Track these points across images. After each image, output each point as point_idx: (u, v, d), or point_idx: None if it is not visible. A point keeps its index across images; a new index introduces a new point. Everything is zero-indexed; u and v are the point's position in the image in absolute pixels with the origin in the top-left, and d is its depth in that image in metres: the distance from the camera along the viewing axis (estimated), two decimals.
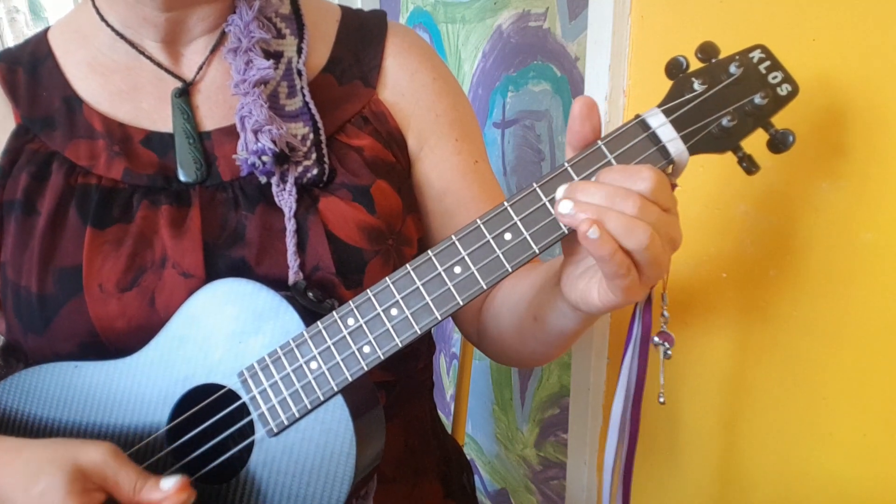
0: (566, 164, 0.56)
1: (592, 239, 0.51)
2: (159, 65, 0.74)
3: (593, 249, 0.52)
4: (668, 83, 0.57)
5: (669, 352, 0.65)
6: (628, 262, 0.53)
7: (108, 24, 0.74)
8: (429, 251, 0.58)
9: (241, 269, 0.69)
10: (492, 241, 0.57)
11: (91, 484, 0.59)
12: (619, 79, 0.88)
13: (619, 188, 0.52)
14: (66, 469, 0.58)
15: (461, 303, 0.58)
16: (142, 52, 0.74)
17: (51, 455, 0.59)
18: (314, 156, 0.71)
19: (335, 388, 0.61)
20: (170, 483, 0.59)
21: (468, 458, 1.00)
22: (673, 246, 0.55)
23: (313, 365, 0.61)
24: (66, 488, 0.57)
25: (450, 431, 1.10)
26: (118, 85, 0.74)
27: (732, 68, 0.55)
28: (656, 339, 0.64)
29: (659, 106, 0.56)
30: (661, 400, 0.67)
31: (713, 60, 0.57)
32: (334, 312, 0.61)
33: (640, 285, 0.55)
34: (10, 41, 2.40)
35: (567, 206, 0.53)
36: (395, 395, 0.80)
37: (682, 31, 0.79)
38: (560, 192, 0.54)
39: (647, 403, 0.70)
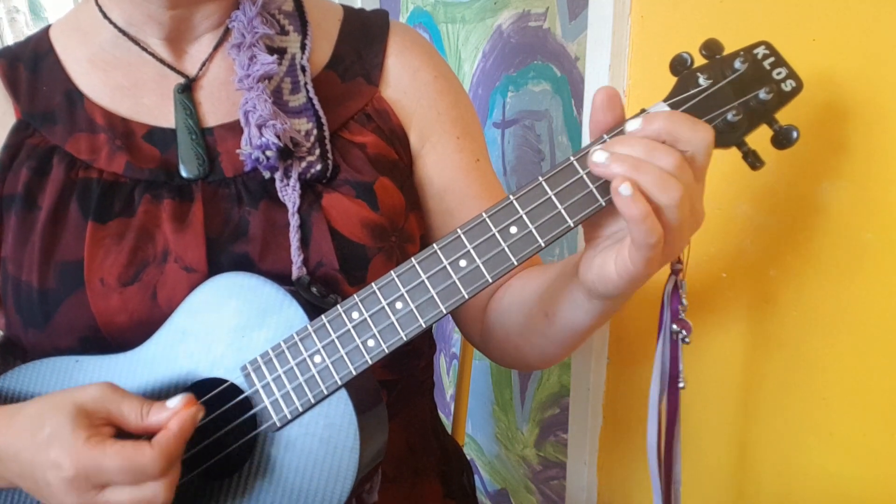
0: (571, 158, 0.56)
1: (624, 196, 0.51)
2: (162, 61, 0.74)
3: (625, 208, 0.51)
4: (669, 83, 0.58)
5: (687, 339, 0.65)
6: (660, 227, 0.52)
7: (110, 22, 0.74)
8: (434, 245, 0.58)
9: (244, 265, 0.68)
10: (497, 234, 0.57)
11: (97, 419, 0.59)
12: (619, 79, 0.88)
13: (656, 144, 0.52)
14: (68, 409, 0.58)
15: (466, 296, 0.58)
16: (144, 49, 0.74)
17: (50, 403, 0.60)
18: (318, 151, 0.71)
19: (339, 382, 0.61)
20: (176, 401, 0.60)
21: (468, 458, 1.00)
22: (696, 220, 0.55)
23: (317, 359, 0.61)
24: (71, 425, 0.57)
25: (450, 431, 1.10)
26: (119, 81, 0.74)
27: (737, 64, 0.56)
28: (674, 326, 0.65)
29: (665, 100, 0.56)
30: (682, 385, 0.67)
31: (717, 56, 0.57)
32: (338, 306, 0.61)
33: (662, 256, 0.54)
34: (10, 41, 2.40)
35: (601, 156, 0.52)
36: (396, 394, 0.80)
37: (683, 31, 0.79)
38: (596, 149, 0.54)
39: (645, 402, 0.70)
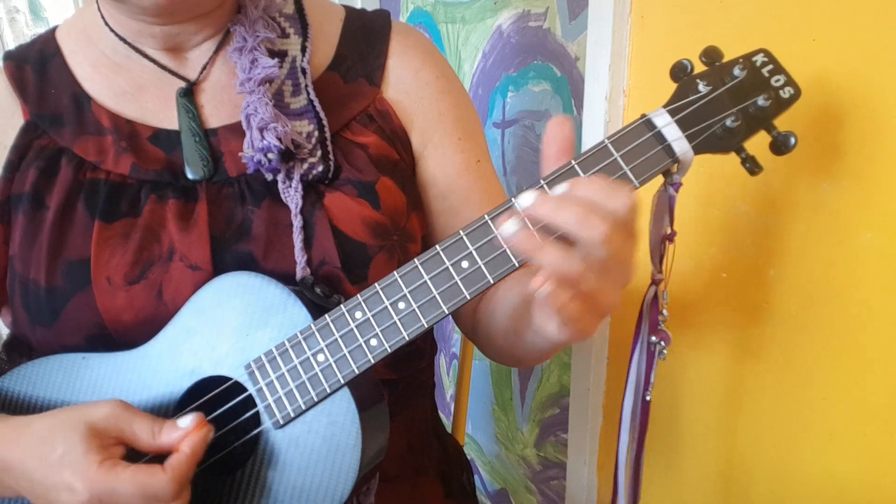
0: (573, 162, 0.56)
1: (506, 236, 0.52)
2: (164, 67, 0.74)
3: (514, 249, 0.53)
4: (669, 83, 0.58)
5: (665, 351, 0.65)
6: (580, 309, 0.52)
7: (111, 30, 0.74)
8: (436, 246, 0.58)
9: (248, 264, 0.69)
10: (499, 236, 0.57)
11: (108, 439, 0.59)
12: (619, 79, 0.88)
13: (573, 200, 0.50)
14: (80, 429, 0.58)
15: (468, 297, 0.58)
16: (145, 56, 0.74)
17: (61, 421, 0.60)
18: (319, 153, 0.72)
19: (342, 381, 0.61)
20: (187, 421, 0.60)
21: (468, 458, 1.00)
22: (626, 272, 0.53)
23: (320, 357, 0.62)
24: (84, 446, 0.57)
25: (450, 431, 1.10)
26: (122, 86, 0.74)
27: (736, 71, 0.56)
28: (653, 337, 0.65)
29: (664, 106, 0.57)
30: (647, 397, 0.67)
31: (717, 63, 0.58)
32: (342, 305, 0.61)
33: (595, 319, 0.54)
34: (11, 41, 2.40)
35: (509, 229, 0.52)
36: (397, 394, 0.81)
37: (682, 32, 0.80)
38: (525, 197, 0.53)
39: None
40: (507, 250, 0.57)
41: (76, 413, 0.60)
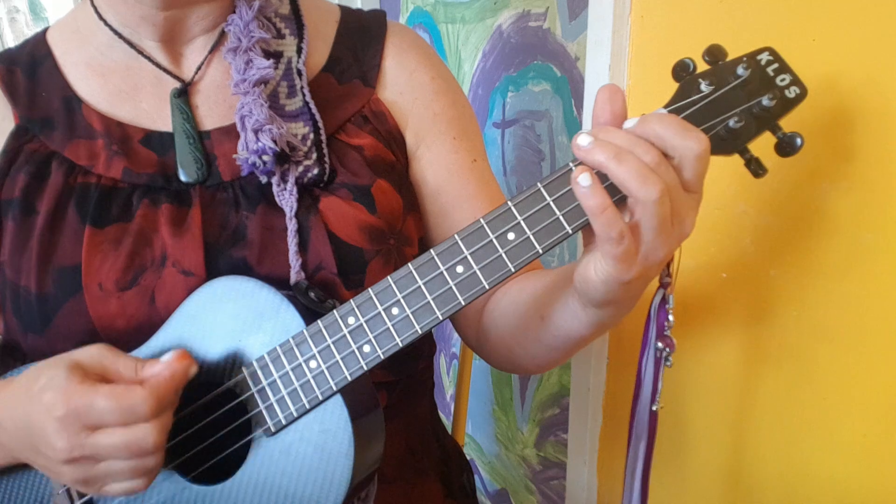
0: (570, 164, 0.55)
1: (583, 187, 0.51)
2: (158, 65, 0.74)
3: (583, 199, 0.51)
4: (669, 83, 0.57)
5: (670, 359, 0.64)
6: (620, 221, 0.51)
7: (106, 24, 0.74)
8: (431, 250, 0.58)
9: (242, 269, 0.68)
10: (495, 240, 0.56)
11: (92, 374, 0.59)
12: (619, 79, 0.88)
13: (640, 139, 0.52)
14: (65, 363, 0.59)
15: (463, 303, 0.57)
16: (140, 52, 0.74)
17: (48, 362, 0.60)
18: (314, 155, 0.71)
19: (334, 388, 0.61)
20: (169, 355, 0.60)
21: (468, 458, 1.00)
22: (682, 228, 0.54)
23: (312, 364, 0.61)
24: (66, 376, 0.57)
25: (450, 431, 1.10)
26: (117, 85, 0.74)
27: (740, 70, 0.55)
28: (659, 344, 0.64)
29: (666, 106, 0.56)
30: (654, 407, 0.66)
31: (720, 62, 0.56)
32: (335, 311, 0.60)
33: (637, 258, 0.53)
34: (10, 41, 2.40)
35: (585, 139, 0.52)
36: (395, 395, 0.80)
37: (683, 31, 0.79)
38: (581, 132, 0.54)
39: None
40: (504, 255, 0.57)
41: (63, 355, 0.61)
